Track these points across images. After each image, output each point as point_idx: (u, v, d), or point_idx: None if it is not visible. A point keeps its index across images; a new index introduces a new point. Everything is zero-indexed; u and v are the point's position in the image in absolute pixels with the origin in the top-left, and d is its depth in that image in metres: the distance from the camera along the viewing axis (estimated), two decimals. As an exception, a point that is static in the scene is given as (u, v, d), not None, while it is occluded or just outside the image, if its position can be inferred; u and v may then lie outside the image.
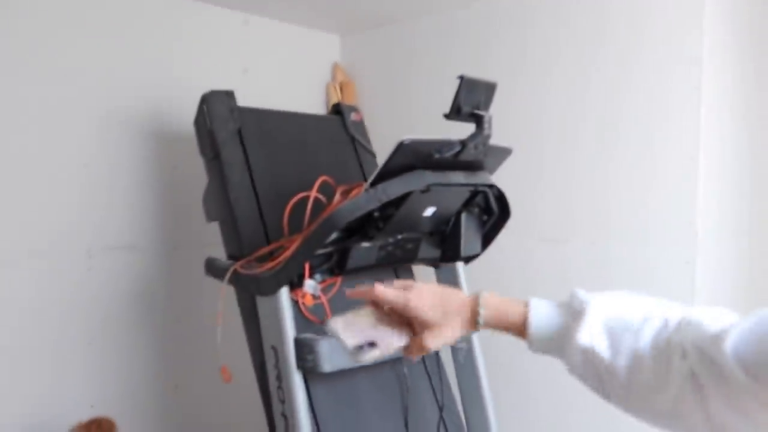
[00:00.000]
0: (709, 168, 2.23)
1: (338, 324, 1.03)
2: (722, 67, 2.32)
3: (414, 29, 3.05)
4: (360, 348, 0.99)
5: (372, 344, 0.99)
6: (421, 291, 0.97)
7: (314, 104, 3.24)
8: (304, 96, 3.20)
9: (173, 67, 2.68)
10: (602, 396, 0.83)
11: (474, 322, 0.94)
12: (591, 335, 0.79)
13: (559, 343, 0.85)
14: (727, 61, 2.38)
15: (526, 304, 0.91)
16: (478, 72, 1.78)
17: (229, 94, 2.09)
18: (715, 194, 2.30)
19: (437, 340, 0.94)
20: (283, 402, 1.73)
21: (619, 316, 0.79)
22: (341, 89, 3.21)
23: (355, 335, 1.01)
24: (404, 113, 3.07)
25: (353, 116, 2.46)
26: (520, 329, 0.90)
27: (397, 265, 2.12)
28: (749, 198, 2.76)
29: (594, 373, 0.81)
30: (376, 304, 1.01)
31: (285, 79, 3.11)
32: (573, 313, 0.84)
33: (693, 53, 2.17)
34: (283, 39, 3.11)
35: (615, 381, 0.78)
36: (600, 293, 0.85)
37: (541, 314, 0.88)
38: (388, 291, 0.98)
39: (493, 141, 1.78)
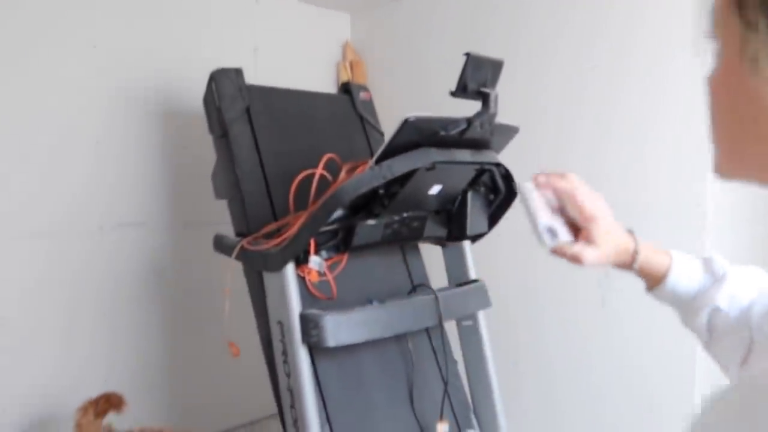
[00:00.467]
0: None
1: (533, 194, 0.89)
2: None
3: (424, 8, 3.03)
4: (547, 231, 0.87)
5: (552, 231, 0.88)
6: (591, 190, 0.92)
7: (325, 83, 3.24)
8: (315, 75, 3.20)
9: (184, 45, 2.69)
10: (704, 346, 0.92)
11: (630, 260, 0.92)
12: (729, 299, 0.87)
13: (688, 299, 0.91)
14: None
15: (670, 256, 0.93)
16: (486, 49, 1.77)
17: (238, 72, 2.10)
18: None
19: (593, 255, 0.88)
20: (288, 376, 1.76)
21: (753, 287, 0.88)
22: (351, 68, 3.20)
23: (544, 215, 0.88)
24: (414, 92, 3.06)
25: (362, 95, 2.46)
26: (656, 278, 0.93)
27: (404, 243, 2.13)
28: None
29: (711, 329, 0.89)
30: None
31: (295, 58, 3.11)
32: (714, 276, 0.90)
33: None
34: (293, 17, 3.10)
35: (726, 339, 0.86)
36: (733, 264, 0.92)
37: (682, 271, 0.92)
38: (554, 176, 0.92)
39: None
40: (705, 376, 2.21)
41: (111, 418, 2.06)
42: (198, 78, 2.15)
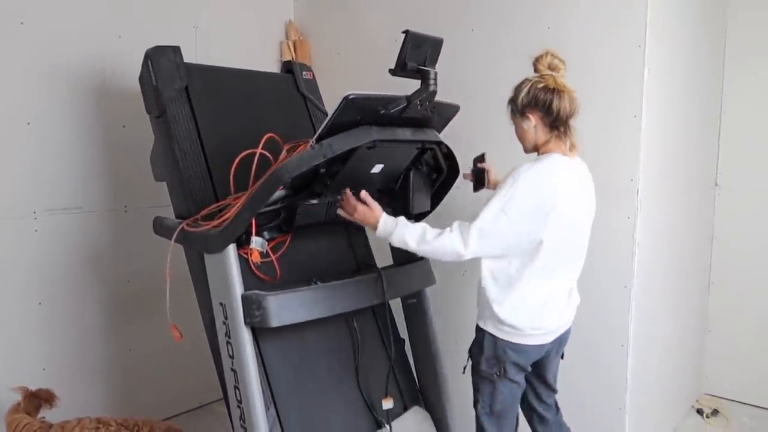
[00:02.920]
0: (652, 127, 2.28)
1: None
2: (667, 28, 2.36)
3: (368, -13, 3.00)
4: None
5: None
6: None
7: (269, 62, 3.19)
8: (258, 54, 3.15)
9: (120, 22, 2.60)
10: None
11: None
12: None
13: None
14: (672, 23, 2.42)
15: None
16: (432, 28, 1.77)
17: (176, 50, 2.04)
18: (657, 153, 2.36)
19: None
20: (232, 357, 1.75)
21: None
22: (295, 47, 3.16)
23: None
24: (360, 72, 3.04)
25: (305, 74, 2.44)
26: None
27: (348, 222, 2.13)
28: (694, 159, 2.85)
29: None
30: None
31: (237, 37, 3.04)
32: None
33: (637, 16, 2.20)
34: (235, -5, 3.04)
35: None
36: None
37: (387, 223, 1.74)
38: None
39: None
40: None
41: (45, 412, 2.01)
42: (136, 55, 2.08)
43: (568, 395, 2.53)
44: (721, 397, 3.16)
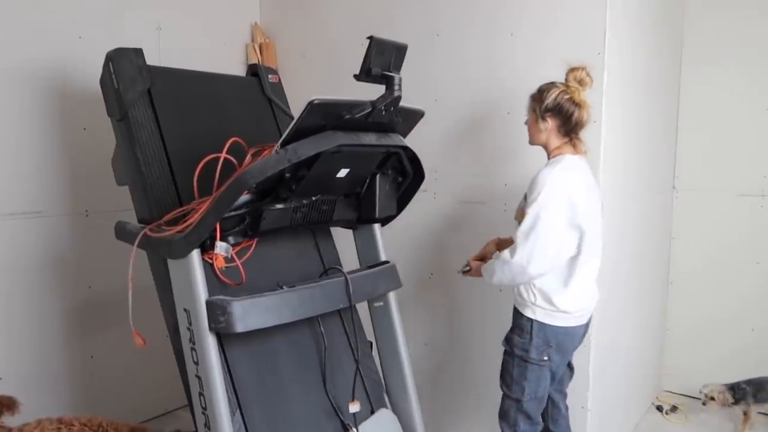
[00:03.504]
0: (612, 132, 2.34)
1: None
2: (626, 35, 2.42)
3: (335, -10, 3.01)
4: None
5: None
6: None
7: (234, 65, 3.17)
8: (223, 57, 3.12)
9: (81, 23, 2.55)
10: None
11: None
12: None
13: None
14: (631, 30, 2.48)
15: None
16: (398, 33, 1.78)
17: (138, 52, 2.01)
18: (617, 157, 2.42)
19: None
20: (197, 363, 1.73)
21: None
22: (261, 50, 3.14)
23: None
24: (327, 76, 3.05)
25: (271, 78, 2.42)
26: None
27: (314, 226, 2.13)
28: (654, 163, 2.93)
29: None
30: None
31: (202, 39, 3.01)
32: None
33: (596, 23, 2.25)
34: (199, -4, 3.01)
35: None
36: None
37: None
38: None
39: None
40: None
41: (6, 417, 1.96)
42: (97, 57, 2.05)
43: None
44: (680, 394, 3.26)
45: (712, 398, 2.77)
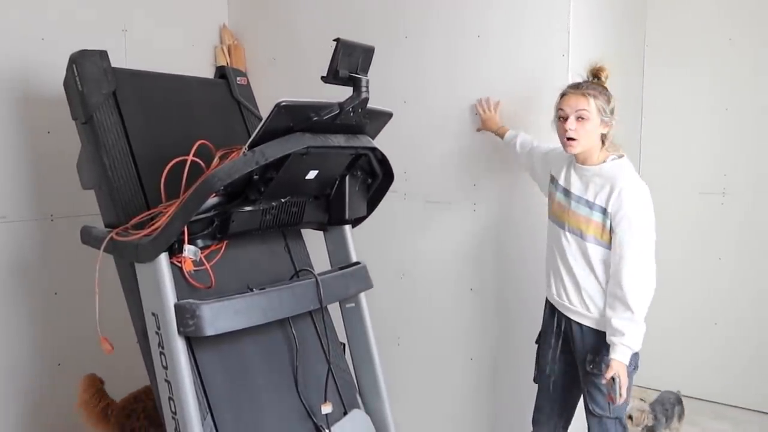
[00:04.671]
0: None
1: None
2: (590, 36, 2.47)
3: (303, -8, 3.01)
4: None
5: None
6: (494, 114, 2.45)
7: (202, 67, 3.14)
8: (191, 59, 3.10)
9: (43, 24, 2.50)
10: (516, 159, 2.28)
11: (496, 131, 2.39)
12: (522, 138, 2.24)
13: (509, 140, 2.30)
14: (595, 32, 2.53)
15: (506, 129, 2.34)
16: (367, 35, 1.79)
17: (102, 54, 1.98)
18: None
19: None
20: (166, 368, 1.71)
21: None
22: (229, 52, 3.13)
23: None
24: (296, 78, 3.04)
25: (239, 80, 2.41)
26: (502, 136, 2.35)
27: (285, 228, 2.13)
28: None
29: (517, 152, 2.25)
30: None
31: (169, 41, 2.98)
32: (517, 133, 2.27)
33: (560, 25, 2.29)
34: (166, -2, 2.98)
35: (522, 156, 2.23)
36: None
37: (509, 133, 2.30)
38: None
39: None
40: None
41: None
42: (61, 59, 2.02)
43: (508, 394, 2.61)
44: (645, 387, 3.32)
45: (630, 417, 2.49)
